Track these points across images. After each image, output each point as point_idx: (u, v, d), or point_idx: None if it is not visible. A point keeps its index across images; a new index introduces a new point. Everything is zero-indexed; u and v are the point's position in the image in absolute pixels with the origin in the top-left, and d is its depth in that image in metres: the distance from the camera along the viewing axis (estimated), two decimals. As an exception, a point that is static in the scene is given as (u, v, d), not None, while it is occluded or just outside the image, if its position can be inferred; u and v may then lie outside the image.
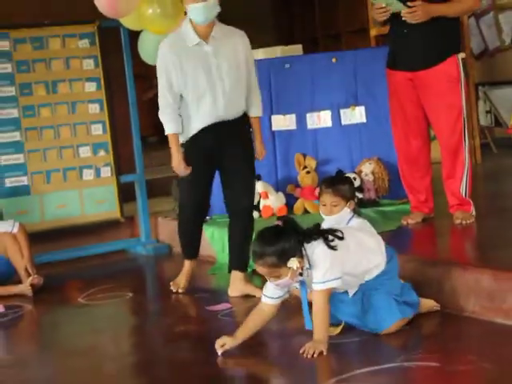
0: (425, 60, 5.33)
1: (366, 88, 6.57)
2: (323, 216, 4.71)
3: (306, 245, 4.00)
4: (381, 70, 5.71)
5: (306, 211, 6.47)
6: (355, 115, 6.64)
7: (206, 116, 5.01)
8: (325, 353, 3.88)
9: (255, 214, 6.45)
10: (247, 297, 5.09)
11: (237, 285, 5.19)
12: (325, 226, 4.81)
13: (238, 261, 5.22)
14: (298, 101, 6.65)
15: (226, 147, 5.09)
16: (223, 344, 4.06)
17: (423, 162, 5.57)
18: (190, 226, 5.36)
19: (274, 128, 6.69)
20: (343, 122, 6.65)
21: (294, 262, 3.92)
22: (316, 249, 3.99)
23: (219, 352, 4.05)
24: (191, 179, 5.12)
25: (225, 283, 5.62)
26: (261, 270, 4.01)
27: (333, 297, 4.11)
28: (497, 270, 4.19)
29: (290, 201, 6.58)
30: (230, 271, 5.26)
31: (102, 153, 6.70)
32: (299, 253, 3.97)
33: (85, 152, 6.67)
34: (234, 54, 5.05)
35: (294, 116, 6.68)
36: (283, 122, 6.69)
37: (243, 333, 4.11)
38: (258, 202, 6.50)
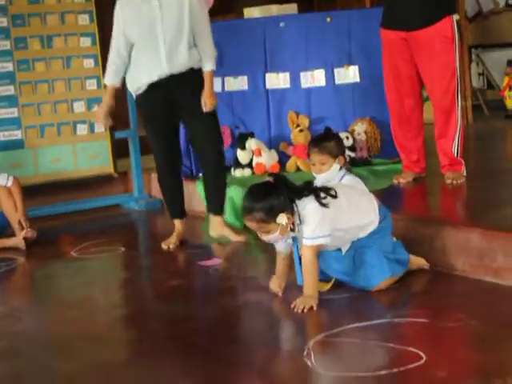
0: (420, 20, 5.26)
1: (360, 48, 6.50)
2: (314, 175, 4.69)
3: (297, 201, 3.97)
4: (375, 30, 5.65)
5: (298, 169, 6.44)
6: (349, 74, 6.58)
7: (152, 69, 5.13)
8: (315, 308, 3.87)
9: (248, 171, 6.44)
10: (234, 251, 5.13)
11: (215, 227, 5.43)
12: (317, 182, 4.80)
13: (214, 206, 5.43)
14: (292, 60, 6.60)
15: (181, 102, 5.20)
16: (279, 284, 4.14)
17: (416, 122, 5.54)
18: (166, 180, 5.44)
19: (267, 86, 6.64)
20: (337, 82, 6.60)
21: (282, 218, 3.90)
22: (307, 205, 3.96)
23: (280, 293, 4.12)
24: (153, 134, 5.30)
25: (216, 239, 5.61)
26: (250, 225, 4.01)
27: (324, 254, 4.09)
28: (487, 229, 4.17)
29: (283, 158, 6.55)
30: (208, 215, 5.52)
31: (96, 108, 6.61)
32: (289, 209, 3.94)
33: (79, 107, 6.63)
34: (178, 7, 5.11)
35: (288, 74, 6.62)
36: (277, 81, 6.64)
37: (281, 271, 4.18)
38: (251, 160, 6.47)
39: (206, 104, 5.21)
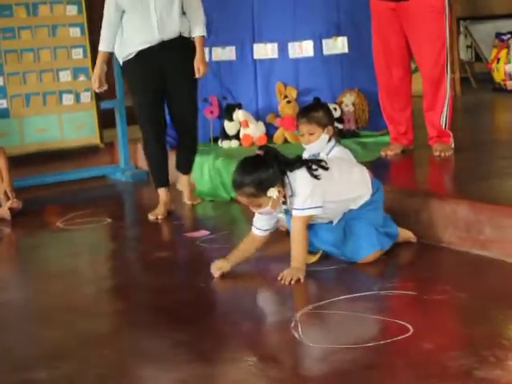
0: None
1: (349, 18, 6.45)
2: (304, 146, 4.68)
3: (288, 173, 3.96)
4: (364, 1, 5.61)
5: (286, 141, 6.41)
6: (337, 45, 6.54)
7: (143, 36, 5.18)
8: (302, 280, 3.87)
9: (235, 143, 6.41)
10: (221, 224, 5.14)
11: (181, 183, 5.75)
12: (306, 155, 4.78)
13: (184, 168, 5.66)
14: (280, 30, 6.54)
15: (169, 68, 5.24)
16: (220, 267, 4.06)
17: (404, 94, 5.52)
18: (153, 150, 5.44)
19: (255, 57, 6.60)
20: (325, 52, 6.56)
21: (273, 192, 3.88)
22: (298, 177, 3.95)
23: (216, 275, 4.05)
24: (141, 102, 5.31)
25: (203, 211, 5.61)
26: (241, 199, 4.00)
27: (315, 225, 4.08)
28: (474, 202, 4.17)
29: (271, 130, 6.51)
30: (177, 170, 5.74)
31: (82, 77, 6.58)
32: (280, 182, 3.93)
33: (65, 76, 6.55)
34: None
35: (275, 45, 6.57)
36: (265, 51, 6.59)
37: (235, 257, 4.12)
38: (238, 131, 6.44)
39: (200, 70, 5.24)
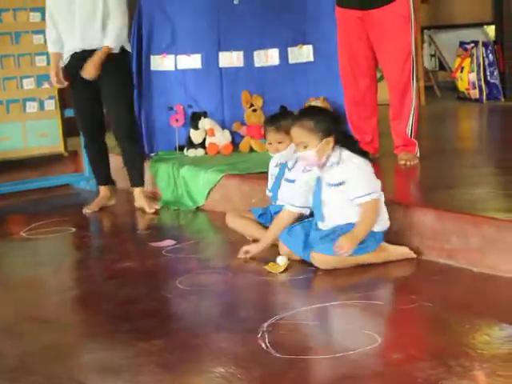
0: None
1: (315, 26, 6.46)
2: (271, 154, 4.66)
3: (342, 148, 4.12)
4: (330, 8, 5.61)
5: (252, 150, 6.39)
6: (303, 54, 6.55)
7: (70, 42, 5.53)
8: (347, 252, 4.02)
9: (200, 151, 6.38)
10: (188, 232, 5.13)
11: (136, 198, 5.81)
12: (273, 164, 4.78)
13: (132, 178, 5.82)
14: (245, 38, 6.53)
15: (100, 78, 5.51)
16: (247, 251, 4.26)
17: (370, 102, 5.52)
18: (89, 149, 5.84)
19: (221, 65, 6.57)
20: (290, 61, 6.56)
21: (327, 139, 4.05)
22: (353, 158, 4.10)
23: (239, 255, 4.28)
24: (74, 99, 5.70)
25: (170, 220, 5.57)
26: (294, 133, 4.11)
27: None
28: (440, 211, 4.17)
29: (237, 139, 6.50)
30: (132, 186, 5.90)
31: (46, 85, 6.50)
32: (334, 138, 4.08)
33: (28, 84, 6.48)
34: None
35: (241, 53, 6.56)
36: (230, 59, 6.57)
37: (267, 239, 4.32)
38: (204, 139, 6.40)
39: (88, 71, 5.44)
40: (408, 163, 5.32)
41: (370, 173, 4.13)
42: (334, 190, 4.12)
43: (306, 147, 4.07)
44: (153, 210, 5.69)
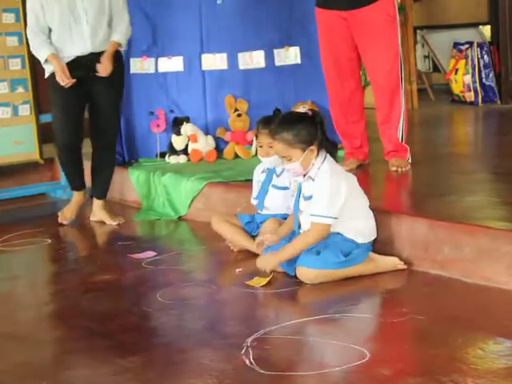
0: None
1: (302, 27, 6.50)
2: (260, 158, 4.69)
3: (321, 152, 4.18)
4: (318, 9, 5.63)
5: (236, 156, 6.42)
6: (289, 56, 6.58)
7: (74, 46, 5.43)
8: (268, 271, 4.19)
9: (183, 158, 6.40)
10: (168, 244, 5.14)
11: (96, 211, 5.83)
12: (259, 169, 4.81)
13: (100, 191, 5.84)
14: (229, 39, 6.56)
15: (93, 82, 5.49)
16: (261, 242, 4.38)
17: (357, 105, 5.54)
18: (71, 154, 5.71)
19: (204, 67, 6.59)
20: (277, 63, 6.60)
21: (308, 149, 4.11)
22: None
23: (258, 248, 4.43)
24: (62, 107, 5.53)
25: (150, 230, 5.58)
26: (276, 147, 4.19)
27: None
28: (432, 220, 4.20)
29: (220, 144, 6.52)
30: (91, 197, 5.95)
31: (20, 89, 6.50)
32: (317, 145, 4.13)
33: (2, 88, 6.46)
34: None
35: (225, 55, 6.58)
36: (214, 62, 6.59)
37: (284, 231, 4.40)
38: (187, 146, 6.42)
39: (106, 67, 5.43)
40: (400, 169, 5.35)
41: (337, 195, 4.10)
42: (307, 202, 4.21)
43: (290, 160, 4.13)
44: (115, 223, 5.73)
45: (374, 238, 4.25)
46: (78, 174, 5.83)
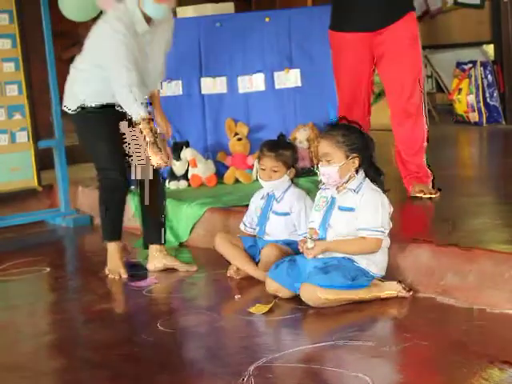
0: (383, 17, 5.15)
1: (302, 50, 6.55)
2: (261, 182, 4.72)
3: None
4: (317, 31, 5.69)
5: (237, 181, 6.45)
6: (290, 78, 6.63)
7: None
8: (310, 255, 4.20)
9: (183, 184, 6.43)
10: (169, 270, 5.13)
11: (157, 258, 5.19)
12: (258, 195, 4.84)
13: (155, 235, 5.23)
14: (229, 63, 6.61)
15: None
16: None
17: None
18: (120, 195, 5.18)
19: (203, 92, 6.64)
20: (277, 86, 6.64)
21: (353, 157, 4.14)
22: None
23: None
24: (110, 140, 5.04)
25: (150, 257, 5.60)
26: (321, 144, 4.20)
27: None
28: (436, 246, 4.24)
29: (221, 169, 6.55)
30: (146, 247, 5.27)
31: (17, 116, 6.54)
32: (360, 158, 4.16)
33: (-2, 115, 6.53)
34: (163, 41, 5.18)
35: (224, 79, 6.63)
36: (213, 86, 6.64)
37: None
38: (187, 171, 6.46)
39: (169, 129, 5.39)
40: (424, 195, 5.28)
41: (386, 211, 4.20)
42: (343, 214, 4.21)
43: (329, 161, 4.15)
44: (193, 270, 5.16)
45: (382, 274, 4.28)
46: (121, 219, 5.25)
